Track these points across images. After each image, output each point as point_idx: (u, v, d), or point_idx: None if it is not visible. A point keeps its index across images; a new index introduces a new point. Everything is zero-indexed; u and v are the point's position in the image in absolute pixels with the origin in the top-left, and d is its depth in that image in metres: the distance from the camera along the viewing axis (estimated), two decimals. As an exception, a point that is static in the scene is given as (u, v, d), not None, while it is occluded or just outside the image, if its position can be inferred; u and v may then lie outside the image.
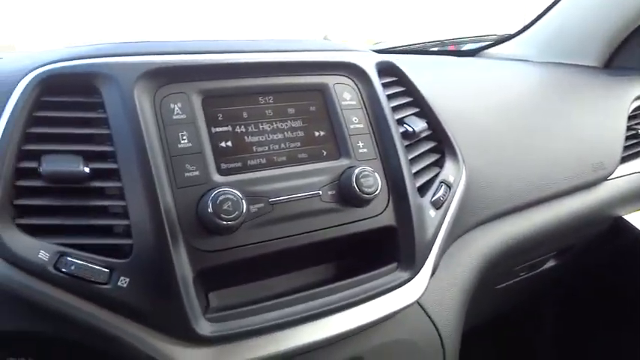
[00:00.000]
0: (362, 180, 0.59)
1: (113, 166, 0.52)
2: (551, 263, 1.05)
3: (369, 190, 0.59)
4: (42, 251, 0.48)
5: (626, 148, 1.04)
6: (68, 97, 0.53)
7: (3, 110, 0.52)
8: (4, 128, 0.51)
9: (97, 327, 0.49)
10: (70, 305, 0.49)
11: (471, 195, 0.78)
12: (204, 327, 0.51)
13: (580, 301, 1.45)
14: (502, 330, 1.60)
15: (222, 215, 0.51)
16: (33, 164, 0.51)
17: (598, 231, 1.04)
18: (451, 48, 1.52)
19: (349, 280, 0.60)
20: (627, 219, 1.02)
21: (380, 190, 0.60)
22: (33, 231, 0.49)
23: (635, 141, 1.08)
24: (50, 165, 0.50)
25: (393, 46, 1.46)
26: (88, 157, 0.52)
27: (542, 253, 0.99)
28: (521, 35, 1.32)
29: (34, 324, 0.50)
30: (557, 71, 1.20)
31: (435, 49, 1.51)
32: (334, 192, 0.60)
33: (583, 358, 1.50)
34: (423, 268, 0.64)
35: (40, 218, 0.50)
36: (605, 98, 1.11)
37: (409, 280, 0.62)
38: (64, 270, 0.48)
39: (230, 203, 0.51)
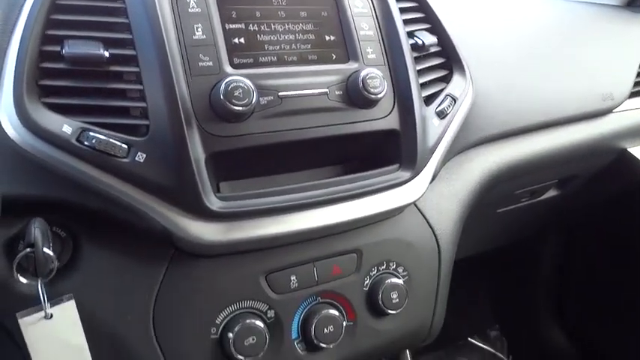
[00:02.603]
0: (369, 81, 0.61)
1: (131, 52, 0.55)
2: (552, 193, 1.08)
3: (375, 90, 0.61)
4: (66, 125, 0.52)
5: (636, 83, 1.04)
6: None
7: None
8: (29, 13, 0.54)
9: (116, 198, 0.53)
10: (92, 177, 0.53)
11: (476, 112, 0.80)
12: (215, 203, 0.55)
13: (582, 238, 1.49)
14: (503, 261, 1.65)
15: (234, 101, 0.54)
16: (56, 48, 0.54)
17: (602, 163, 1.05)
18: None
19: (353, 176, 0.63)
20: (632, 152, 1.03)
21: (385, 93, 0.63)
22: (57, 109, 0.53)
23: (647, 78, 1.07)
24: (72, 48, 0.53)
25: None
26: (107, 42, 0.55)
27: (544, 179, 1.01)
28: (542, -31, 1.30)
29: (59, 191, 0.54)
30: (576, 6, 1.19)
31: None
32: (341, 92, 0.62)
33: (580, 299, 1.55)
34: (423, 171, 0.67)
35: (63, 98, 0.54)
36: (622, 34, 1.11)
37: (409, 180, 0.65)
38: (86, 143, 0.52)
39: (241, 91, 0.54)
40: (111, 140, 0.52)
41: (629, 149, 1.03)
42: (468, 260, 1.18)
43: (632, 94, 1.02)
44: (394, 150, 0.66)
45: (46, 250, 0.52)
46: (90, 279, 0.57)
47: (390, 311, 0.67)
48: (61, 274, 0.56)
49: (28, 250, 0.51)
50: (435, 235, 0.74)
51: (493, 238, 1.23)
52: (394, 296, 0.67)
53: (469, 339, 1.76)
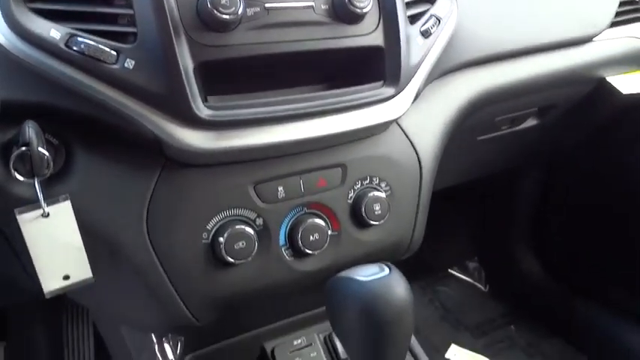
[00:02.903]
0: None
1: None
2: (532, 122, 1.11)
3: (361, 5, 0.62)
4: (53, 30, 0.53)
5: (618, 13, 1.05)
6: None
7: None
8: None
9: (106, 104, 0.55)
10: (82, 82, 0.54)
11: (460, 35, 0.81)
12: (203, 111, 0.56)
13: (560, 174, 1.54)
14: (483, 194, 1.71)
15: (220, 9, 0.54)
16: None
17: (581, 92, 1.08)
18: None
19: (338, 90, 0.65)
20: (610, 81, 1.05)
21: (371, 9, 0.63)
22: (44, 15, 0.53)
23: (628, 7, 1.09)
24: None
25: None
26: None
27: (524, 106, 1.03)
28: None
29: (52, 98, 0.56)
30: None
31: None
32: (327, 6, 0.63)
33: (557, 232, 1.62)
34: (406, 88, 0.69)
35: (49, 3, 0.54)
36: None
37: (393, 96, 0.67)
38: (74, 48, 0.53)
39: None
40: (100, 46, 0.53)
41: (607, 78, 1.05)
42: (449, 193, 1.22)
43: (613, 24, 1.04)
44: (378, 67, 0.67)
45: (41, 149, 0.54)
46: (83, 184, 0.59)
47: (372, 222, 0.70)
48: (55, 179, 0.58)
49: (24, 148, 0.53)
50: (417, 154, 0.77)
51: (474, 168, 1.27)
52: (377, 208, 0.70)
53: (449, 270, 1.84)
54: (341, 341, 0.58)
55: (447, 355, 1.53)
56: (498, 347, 1.55)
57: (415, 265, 0.89)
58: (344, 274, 0.56)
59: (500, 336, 1.59)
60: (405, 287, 0.54)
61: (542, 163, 1.55)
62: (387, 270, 0.55)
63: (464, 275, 1.83)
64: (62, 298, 0.74)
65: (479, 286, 1.80)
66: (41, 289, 0.59)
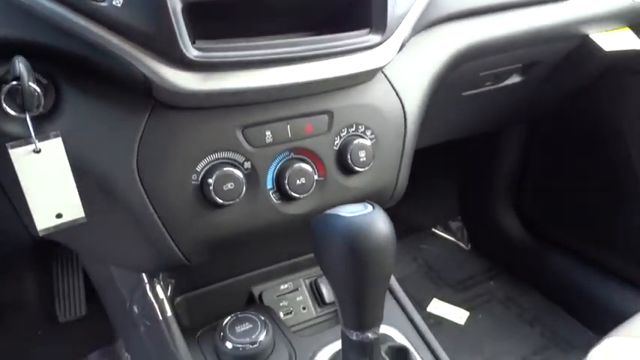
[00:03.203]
0: None
1: None
2: (516, 78, 1.12)
3: None
4: None
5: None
6: None
7: None
8: None
9: (95, 42, 0.55)
10: (70, 19, 0.54)
11: None
12: (191, 51, 0.57)
13: (542, 137, 1.58)
14: (467, 156, 1.74)
15: None
16: None
17: (564, 49, 1.09)
18: None
19: (324, 36, 0.65)
20: (593, 38, 1.07)
21: None
22: None
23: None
24: None
25: None
26: None
27: (507, 62, 1.05)
28: None
29: (41, 36, 0.56)
30: None
31: None
32: None
33: (538, 193, 1.66)
34: (392, 37, 0.70)
35: None
36: None
37: (379, 44, 0.68)
38: None
39: None
40: None
41: (590, 35, 1.06)
42: (433, 153, 1.24)
43: (599, -20, 1.05)
44: (365, 14, 0.68)
45: (31, 83, 0.54)
46: (73, 124, 0.60)
47: (357, 169, 0.72)
48: (44, 119, 0.59)
49: (15, 82, 0.54)
50: (402, 104, 0.78)
51: (459, 126, 1.29)
52: (362, 155, 0.72)
53: (433, 229, 1.88)
54: (325, 275, 0.61)
55: (428, 309, 1.59)
56: (478, 301, 1.61)
57: (400, 224, 0.91)
58: (329, 211, 0.58)
59: (480, 291, 1.65)
60: (387, 223, 0.56)
61: (524, 125, 1.58)
62: (370, 208, 0.57)
63: (447, 234, 1.88)
64: (52, 246, 0.75)
65: (461, 244, 1.85)
66: (33, 233, 0.60)
